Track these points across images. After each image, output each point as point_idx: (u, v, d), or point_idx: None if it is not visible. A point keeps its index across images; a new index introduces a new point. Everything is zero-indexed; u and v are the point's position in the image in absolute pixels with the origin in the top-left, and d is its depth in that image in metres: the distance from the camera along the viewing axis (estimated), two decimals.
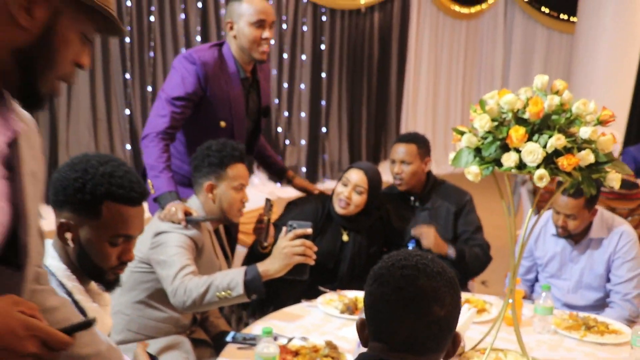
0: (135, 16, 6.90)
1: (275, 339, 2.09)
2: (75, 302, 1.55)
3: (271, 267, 2.24)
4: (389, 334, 1.27)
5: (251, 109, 3.03)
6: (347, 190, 2.89)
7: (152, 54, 7.11)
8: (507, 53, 11.63)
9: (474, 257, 3.01)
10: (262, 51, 2.85)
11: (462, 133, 1.93)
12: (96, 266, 1.59)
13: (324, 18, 8.69)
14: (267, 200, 2.69)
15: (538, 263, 3.08)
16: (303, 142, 8.74)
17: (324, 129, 8.94)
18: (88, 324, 1.20)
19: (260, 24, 2.79)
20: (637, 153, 6.15)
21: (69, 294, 1.56)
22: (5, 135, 1.18)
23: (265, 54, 2.88)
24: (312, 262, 2.30)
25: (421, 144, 3.21)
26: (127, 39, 6.86)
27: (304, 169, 8.69)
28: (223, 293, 2.16)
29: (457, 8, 10.26)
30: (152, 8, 7.00)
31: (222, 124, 2.87)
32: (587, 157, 1.78)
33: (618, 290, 2.89)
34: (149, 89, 7.11)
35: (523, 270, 3.12)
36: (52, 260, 1.58)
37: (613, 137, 1.84)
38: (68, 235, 1.57)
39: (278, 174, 3.40)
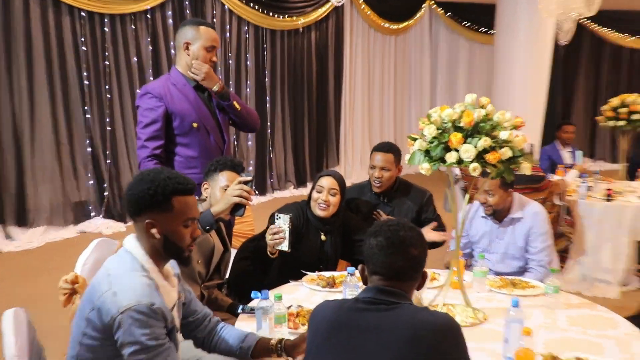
0: (91, 53, 7.24)
1: None
2: (151, 279, 2.02)
3: (217, 207, 2.87)
4: (384, 268, 1.89)
5: (212, 107, 3.54)
6: (323, 195, 3.37)
7: (109, 95, 7.45)
8: (434, 63, 12.22)
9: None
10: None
11: (414, 139, 2.53)
12: (178, 247, 2.08)
13: (265, 45, 9.09)
14: (285, 217, 3.11)
15: (472, 240, 3.75)
16: (252, 162, 9.15)
17: (270, 149, 9.37)
18: None
19: (212, 48, 3.43)
20: (551, 152, 6.90)
21: (146, 270, 2.04)
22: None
23: None
24: (248, 203, 2.89)
25: (396, 154, 3.78)
26: (84, 73, 7.19)
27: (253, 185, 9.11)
28: None
29: (386, 24, 10.80)
30: (107, 44, 7.34)
31: (195, 125, 3.44)
32: (506, 153, 2.39)
33: (534, 258, 3.58)
34: (108, 128, 7.47)
35: (460, 246, 3.76)
36: (134, 248, 2.06)
37: (524, 138, 2.49)
38: (154, 230, 2.04)
39: None
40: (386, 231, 1.92)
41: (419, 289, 1.96)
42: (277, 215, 3.09)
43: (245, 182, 2.89)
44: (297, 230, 3.33)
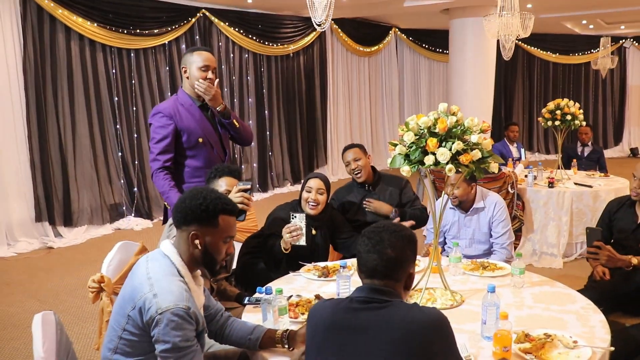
0: (120, 81, 6.96)
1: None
2: (185, 283, 1.79)
3: None
4: (364, 266, 1.62)
5: (214, 124, 3.21)
6: (312, 194, 3.10)
7: (134, 108, 7.15)
8: (401, 79, 11.93)
9: (414, 216, 3.42)
10: None
11: (395, 145, 2.25)
12: (214, 259, 1.85)
13: (262, 69, 8.75)
14: (301, 215, 2.84)
15: (443, 230, 3.47)
16: (255, 165, 8.83)
17: (269, 153, 9.05)
18: None
19: (205, 68, 3.06)
20: (501, 148, 6.63)
21: (182, 276, 1.81)
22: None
23: None
24: (248, 209, 2.60)
25: (360, 147, 3.58)
26: (115, 97, 6.90)
27: (256, 183, 8.84)
28: None
29: (360, 48, 10.51)
30: (133, 73, 7.07)
31: (200, 140, 3.11)
32: (477, 154, 2.13)
33: (497, 241, 3.30)
34: (135, 143, 7.16)
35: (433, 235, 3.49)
36: (172, 254, 1.83)
37: (491, 140, 2.22)
38: (197, 241, 1.81)
39: None
40: (371, 232, 1.65)
41: (405, 289, 1.65)
42: (293, 215, 2.81)
43: (245, 190, 2.59)
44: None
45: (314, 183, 3.12)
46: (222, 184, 2.74)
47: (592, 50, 12.54)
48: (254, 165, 8.84)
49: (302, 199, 3.15)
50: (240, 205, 2.52)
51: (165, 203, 3.07)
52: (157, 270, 1.78)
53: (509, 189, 4.91)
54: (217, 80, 3.14)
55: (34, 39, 6.09)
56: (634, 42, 13.03)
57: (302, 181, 3.22)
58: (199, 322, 1.76)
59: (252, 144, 8.69)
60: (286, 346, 1.95)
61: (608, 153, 12.44)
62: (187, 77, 3.10)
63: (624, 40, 12.99)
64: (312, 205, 3.09)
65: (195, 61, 3.06)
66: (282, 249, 2.85)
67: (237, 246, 3.24)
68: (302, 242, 2.78)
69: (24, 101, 6.06)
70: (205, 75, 3.06)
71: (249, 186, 2.60)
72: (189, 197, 1.84)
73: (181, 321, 1.66)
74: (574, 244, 5.16)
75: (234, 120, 3.19)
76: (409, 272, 1.64)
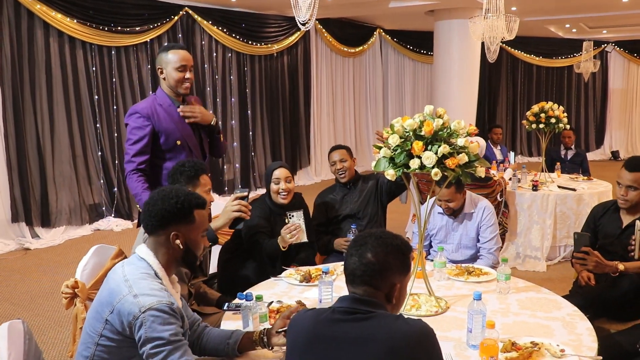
0: (100, 79, 6.83)
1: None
2: (163, 285, 1.73)
3: (218, 222, 2.51)
4: (346, 269, 1.57)
5: (194, 126, 3.08)
6: (282, 185, 3.06)
7: (116, 114, 7.03)
8: (385, 80, 11.90)
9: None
10: (185, 87, 2.99)
11: (379, 148, 2.19)
12: (195, 256, 1.82)
13: (246, 68, 8.66)
14: (298, 214, 2.83)
15: (430, 234, 3.42)
16: (237, 165, 8.74)
17: (252, 153, 8.96)
18: None
19: (182, 68, 2.95)
20: (486, 152, 6.62)
21: (160, 279, 1.75)
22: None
23: (187, 89, 3.01)
24: (246, 217, 2.50)
25: (347, 149, 3.65)
26: (95, 96, 6.77)
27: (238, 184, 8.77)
28: None
29: (345, 48, 10.46)
30: (113, 71, 6.95)
31: (178, 142, 2.99)
32: (463, 158, 2.07)
33: (484, 247, 3.26)
34: (116, 142, 7.05)
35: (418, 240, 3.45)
36: (148, 256, 1.77)
37: (478, 144, 2.17)
38: (178, 241, 1.76)
39: None
40: (359, 236, 1.61)
41: (388, 302, 1.56)
42: (290, 215, 2.79)
43: (242, 197, 2.50)
44: (270, 222, 2.99)
45: (280, 173, 3.11)
46: (204, 183, 2.59)
47: (574, 54, 12.67)
48: (236, 165, 8.74)
49: (271, 192, 3.12)
50: (238, 214, 2.44)
51: (138, 205, 2.97)
52: (134, 273, 1.72)
53: (498, 197, 4.86)
54: (191, 84, 3.05)
55: (10, 34, 5.94)
56: (616, 46, 13.20)
57: (265, 174, 3.19)
58: (184, 319, 1.71)
59: (235, 144, 8.65)
60: (266, 346, 1.89)
61: (590, 156, 12.52)
62: (164, 78, 2.99)
63: (605, 45, 13.15)
64: (284, 195, 3.09)
65: (171, 61, 2.95)
66: (282, 247, 2.82)
67: (217, 250, 3.16)
68: (304, 239, 2.77)
69: None
70: (183, 75, 2.95)
71: (246, 193, 2.52)
72: (160, 200, 1.77)
73: (167, 316, 1.61)
74: (557, 247, 5.16)
75: (220, 135, 3.13)
76: (391, 282, 1.55)
